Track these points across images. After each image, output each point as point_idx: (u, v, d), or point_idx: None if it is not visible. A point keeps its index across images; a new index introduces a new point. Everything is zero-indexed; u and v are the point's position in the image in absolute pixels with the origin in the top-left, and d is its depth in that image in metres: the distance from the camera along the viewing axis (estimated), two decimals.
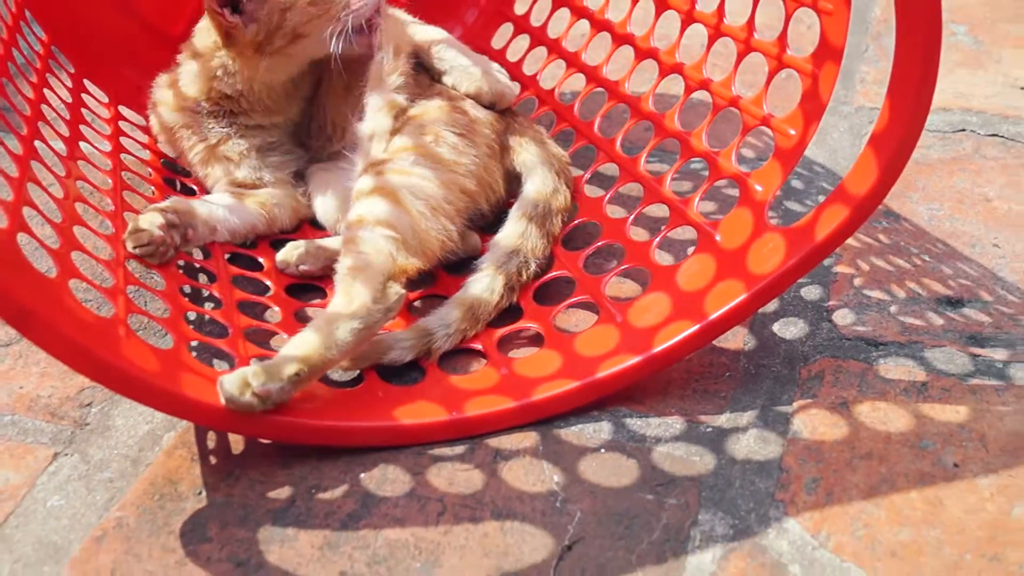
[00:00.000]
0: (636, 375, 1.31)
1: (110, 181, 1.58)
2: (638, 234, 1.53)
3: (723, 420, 1.29)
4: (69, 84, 1.77)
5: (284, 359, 1.22)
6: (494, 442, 1.26)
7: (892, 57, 1.21)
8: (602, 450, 1.25)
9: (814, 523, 1.14)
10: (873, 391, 1.32)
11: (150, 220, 1.45)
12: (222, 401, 1.18)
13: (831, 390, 1.32)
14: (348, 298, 1.30)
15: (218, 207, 1.59)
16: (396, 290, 1.34)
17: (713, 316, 1.30)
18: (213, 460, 1.25)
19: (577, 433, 1.27)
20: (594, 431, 1.28)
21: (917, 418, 1.27)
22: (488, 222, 1.57)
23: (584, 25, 1.85)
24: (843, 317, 1.44)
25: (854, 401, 1.30)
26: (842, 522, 1.14)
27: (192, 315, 1.44)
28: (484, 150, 1.56)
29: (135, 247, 1.43)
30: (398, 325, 1.41)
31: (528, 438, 1.27)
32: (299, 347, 1.24)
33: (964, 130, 1.89)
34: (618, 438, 1.27)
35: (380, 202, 1.41)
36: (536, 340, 1.39)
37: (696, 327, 1.30)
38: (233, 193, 1.63)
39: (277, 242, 1.59)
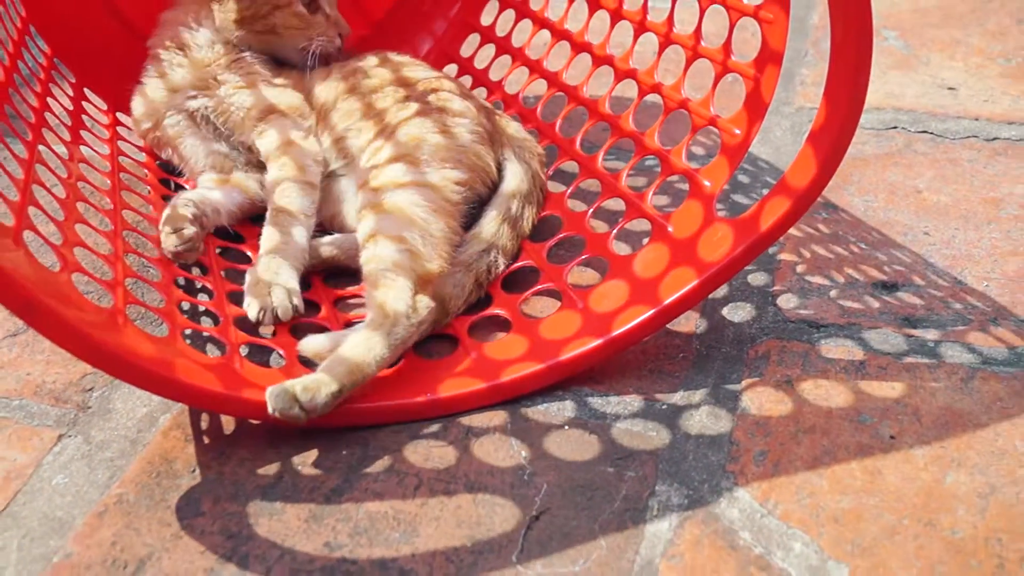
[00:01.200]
0: (597, 357, 1.31)
1: (109, 182, 1.57)
2: (597, 226, 1.53)
3: (677, 398, 1.28)
4: (70, 93, 1.76)
5: (327, 377, 1.21)
6: (466, 421, 1.26)
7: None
8: (566, 427, 1.24)
9: (762, 492, 1.14)
10: (815, 370, 1.31)
11: (184, 218, 1.45)
12: (270, 411, 1.18)
13: (776, 369, 1.32)
14: (381, 315, 1.29)
15: (213, 191, 1.58)
16: (425, 303, 1.32)
17: (667, 301, 1.30)
18: (206, 440, 1.24)
19: (543, 411, 1.27)
20: (558, 409, 1.27)
21: (856, 394, 1.27)
22: (484, 202, 1.54)
23: (545, 35, 1.84)
24: (787, 301, 1.44)
25: (798, 379, 1.30)
26: (788, 491, 1.14)
27: (186, 305, 1.42)
28: (468, 137, 1.53)
29: (178, 246, 1.43)
30: None
31: (497, 416, 1.26)
32: (340, 364, 1.23)
33: (896, 127, 1.89)
34: (580, 416, 1.26)
35: (386, 217, 1.38)
36: (504, 325, 1.38)
37: (652, 311, 1.30)
38: (215, 180, 1.63)
39: None
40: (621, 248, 1.49)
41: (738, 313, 1.42)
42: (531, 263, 1.48)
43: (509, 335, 1.36)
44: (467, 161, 1.51)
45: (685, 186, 1.41)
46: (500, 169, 1.56)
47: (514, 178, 1.54)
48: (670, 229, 1.38)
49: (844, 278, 1.48)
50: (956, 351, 1.34)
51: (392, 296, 1.30)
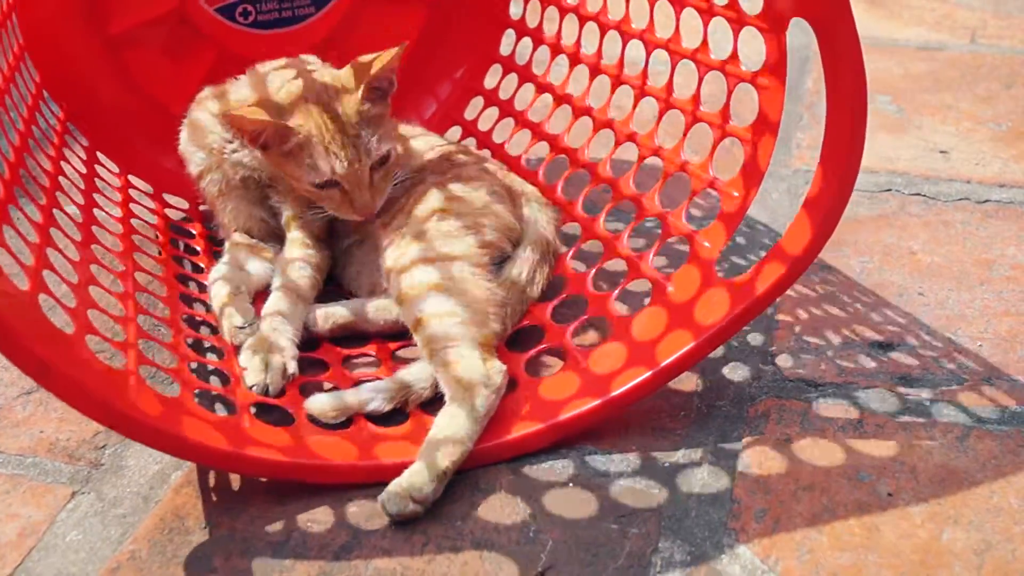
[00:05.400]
0: (595, 417, 1.31)
1: (121, 244, 1.57)
2: (599, 287, 1.53)
3: (679, 456, 1.28)
4: (83, 156, 1.76)
5: (427, 465, 1.21)
6: (472, 478, 1.26)
7: (824, 125, 1.22)
8: (570, 484, 1.25)
9: (763, 549, 1.14)
10: (814, 428, 1.32)
11: (242, 313, 1.47)
12: (387, 517, 1.19)
13: (776, 427, 1.32)
14: (460, 391, 1.29)
15: (252, 264, 1.61)
16: (498, 368, 1.32)
17: (665, 363, 1.30)
18: (217, 497, 1.24)
19: (547, 469, 1.27)
20: (562, 467, 1.27)
21: (854, 452, 1.27)
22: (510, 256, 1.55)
23: (547, 98, 1.86)
24: (785, 361, 1.44)
25: (797, 437, 1.30)
26: (789, 548, 1.14)
27: (195, 365, 1.43)
28: (487, 199, 1.54)
29: (240, 339, 1.44)
30: (384, 373, 1.41)
31: (503, 474, 1.26)
32: (436, 448, 1.23)
33: (890, 190, 1.90)
34: (584, 473, 1.26)
35: (424, 300, 1.38)
36: (509, 384, 1.37)
37: (649, 373, 1.31)
38: (249, 247, 1.64)
39: None
40: (622, 309, 1.49)
41: (737, 372, 1.43)
42: (534, 323, 1.48)
43: (511, 395, 1.36)
44: (488, 223, 1.51)
45: (685, 247, 1.41)
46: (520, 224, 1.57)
47: (527, 243, 1.54)
48: (670, 290, 1.38)
49: (841, 338, 1.49)
50: (951, 410, 1.34)
51: (464, 368, 1.30)
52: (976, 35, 2.66)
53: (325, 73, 1.55)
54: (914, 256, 1.69)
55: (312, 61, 1.63)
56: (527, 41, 1.95)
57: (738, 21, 1.39)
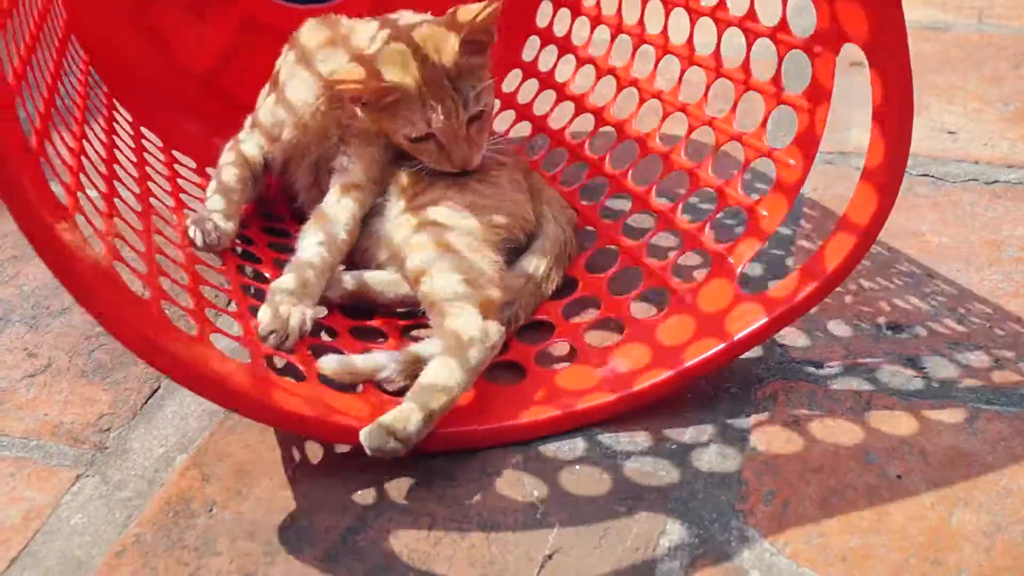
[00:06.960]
0: (668, 388, 1.31)
1: (176, 218, 1.57)
2: (653, 262, 1.51)
3: (687, 437, 1.27)
4: (130, 132, 1.77)
5: (414, 405, 1.21)
6: (479, 459, 1.25)
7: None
8: (577, 466, 1.23)
9: (772, 531, 1.13)
10: (822, 410, 1.30)
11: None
12: (368, 451, 1.18)
13: (784, 409, 1.31)
14: (456, 342, 1.28)
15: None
16: (496, 328, 1.31)
17: (738, 336, 1.30)
18: (222, 480, 1.23)
19: (554, 450, 1.26)
20: (569, 448, 1.26)
21: (863, 434, 1.26)
22: (521, 249, 1.54)
23: (589, 69, 1.85)
24: (793, 342, 1.43)
25: (805, 419, 1.29)
26: (797, 530, 1.13)
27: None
28: (506, 187, 1.54)
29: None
30: (391, 347, 1.40)
31: (510, 454, 1.25)
32: (424, 392, 1.23)
33: None
34: (591, 454, 1.25)
35: (435, 253, 1.39)
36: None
37: (721, 345, 1.30)
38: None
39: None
40: (678, 283, 1.48)
41: (745, 353, 1.41)
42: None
43: (578, 366, 1.37)
44: (505, 207, 1.51)
45: (732, 222, 1.41)
46: (538, 221, 1.56)
47: (546, 238, 1.54)
48: (731, 263, 1.38)
49: (849, 319, 1.47)
50: (960, 391, 1.33)
51: (462, 323, 1.30)
52: (983, 15, 2.65)
53: (423, 26, 1.51)
54: (922, 237, 1.67)
55: (406, 15, 1.59)
56: (564, 12, 1.94)
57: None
